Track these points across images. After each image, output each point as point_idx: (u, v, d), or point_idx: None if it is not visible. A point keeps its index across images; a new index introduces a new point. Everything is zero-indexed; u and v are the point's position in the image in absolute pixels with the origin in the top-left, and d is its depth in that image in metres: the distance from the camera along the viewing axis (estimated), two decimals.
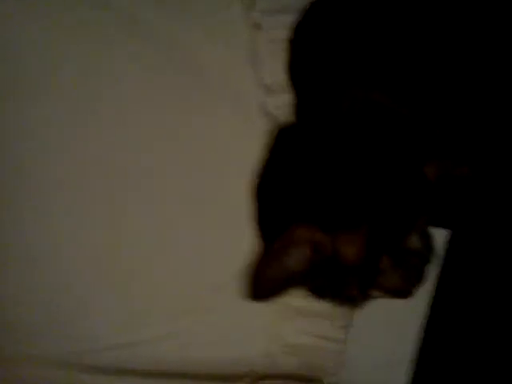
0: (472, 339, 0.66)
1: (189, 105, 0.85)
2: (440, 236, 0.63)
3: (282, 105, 0.76)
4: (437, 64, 0.54)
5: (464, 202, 0.57)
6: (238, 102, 0.84)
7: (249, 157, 0.77)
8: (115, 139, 0.85)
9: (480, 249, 0.59)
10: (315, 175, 0.58)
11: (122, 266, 0.84)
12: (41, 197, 0.84)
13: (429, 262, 0.57)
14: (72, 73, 0.83)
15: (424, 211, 0.55)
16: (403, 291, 0.56)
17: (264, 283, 0.55)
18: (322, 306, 0.64)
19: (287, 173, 0.62)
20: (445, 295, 0.65)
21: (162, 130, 0.85)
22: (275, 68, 0.77)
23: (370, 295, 0.57)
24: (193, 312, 0.85)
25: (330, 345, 0.82)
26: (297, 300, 0.79)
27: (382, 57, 0.56)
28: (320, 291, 0.57)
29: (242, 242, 0.71)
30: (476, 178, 0.54)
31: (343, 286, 0.56)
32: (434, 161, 0.54)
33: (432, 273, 0.62)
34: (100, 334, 0.85)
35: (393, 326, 0.81)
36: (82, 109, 0.83)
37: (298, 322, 0.83)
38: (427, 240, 0.57)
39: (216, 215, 0.84)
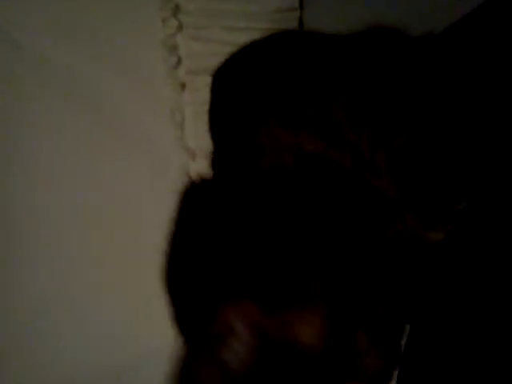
0: None
1: (105, 164, 0.81)
2: None
3: (204, 170, 0.72)
4: None
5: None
6: (159, 163, 0.81)
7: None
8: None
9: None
10: (241, 239, 0.47)
11: None
12: None
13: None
14: None
15: (395, 276, 0.45)
16: (384, 375, 0.43)
17: None
18: None
19: (204, 240, 0.51)
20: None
21: (73, 180, 0.81)
22: (199, 131, 0.74)
23: None
24: None
25: None
26: None
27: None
28: None
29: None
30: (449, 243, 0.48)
31: None
32: (397, 222, 0.46)
33: None
34: None
35: None
36: None
37: None
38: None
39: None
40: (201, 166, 0.74)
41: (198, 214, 0.53)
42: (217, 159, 0.59)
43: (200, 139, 0.74)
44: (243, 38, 0.71)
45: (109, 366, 0.81)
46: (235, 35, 0.73)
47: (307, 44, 0.55)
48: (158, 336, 0.79)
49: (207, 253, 0.49)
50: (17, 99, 0.82)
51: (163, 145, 0.80)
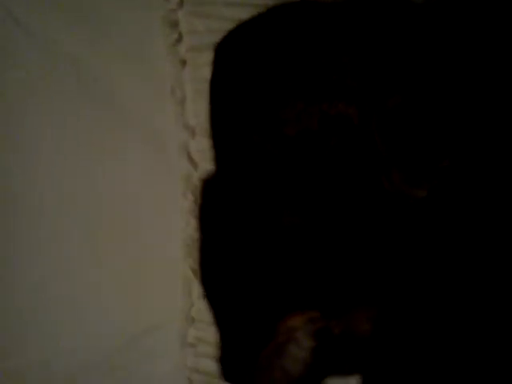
0: None
1: (105, 141, 0.81)
2: None
3: (204, 148, 0.72)
4: None
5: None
6: (158, 140, 0.80)
7: (165, 199, 0.76)
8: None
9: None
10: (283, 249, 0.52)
11: None
12: None
13: None
14: None
15: None
16: None
17: None
18: None
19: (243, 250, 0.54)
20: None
21: (75, 166, 0.81)
22: (200, 109, 0.73)
23: None
24: None
25: None
26: None
27: None
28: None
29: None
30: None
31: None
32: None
33: None
34: None
35: None
36: None
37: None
38: None
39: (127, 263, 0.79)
40: (201, 144, 0.74)
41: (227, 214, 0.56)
42: (222, 138, 0.60)
43: (200, 117, 0.73)
44: (244, 14, 0.70)
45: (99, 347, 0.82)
46: (236, 11, 0.72)
47: (308, 15, 0.55)
48: (156, 331, 0.81)
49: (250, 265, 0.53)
50: (14, 74, 0.82)
51: (163, 122, 0.79)
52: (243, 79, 0.56)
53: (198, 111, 0.75)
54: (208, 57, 0.70)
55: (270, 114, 0.52)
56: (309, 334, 0.48)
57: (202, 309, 0.74)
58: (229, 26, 0.69)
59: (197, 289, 0.75)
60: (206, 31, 0.75)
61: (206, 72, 0.71)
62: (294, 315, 0.49)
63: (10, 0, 0.81)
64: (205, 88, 0.71)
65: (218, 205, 0.56)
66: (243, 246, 0.52)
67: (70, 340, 0.81)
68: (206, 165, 0.70)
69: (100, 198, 0.80)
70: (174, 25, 0.78)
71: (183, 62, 0.78)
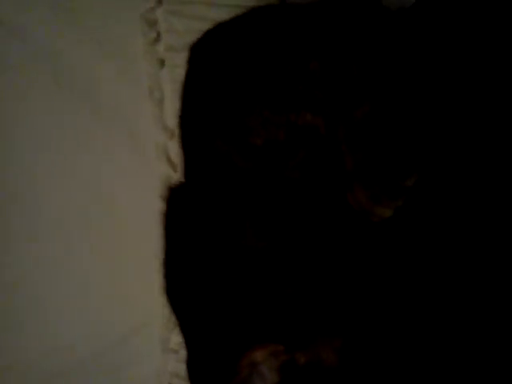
0: None
1: (82, 142, 0.80)
2: None
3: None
4: None
5: None
6: (136, 141, 0.79)
7: (144, 200, 0.75)
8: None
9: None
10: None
11: None
12: None
13: None
14: None
15: None
16: None
17: None
18: None
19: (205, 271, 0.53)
20: None
21: (51, 166, 0.80)
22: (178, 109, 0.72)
23: None
24: None
25: None
26: None
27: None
28: None
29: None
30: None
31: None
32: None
33: None
34: None
35: None
36: None
37: None
38: None
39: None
40: (178, 146, 0.73)
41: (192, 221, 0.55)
42: (191, 141, 0.58)
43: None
44: (224, 15, 0.69)
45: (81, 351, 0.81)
46: (216, 11, 0.72)
47: (281, 20, 0.54)
48: (138, 336, 0.80)
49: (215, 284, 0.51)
50: None
51: (141, 123, 0.78)
52: (213, 82, 0.55)
53: (177, 112, 0.73)
54: (186, 57, 0.69)
55: (236, 120, 0.50)
56: (273, 368, 0.46)
57: None
58: (208, 25, 0.67)
59: None
60: (184, 31, 0.74)
61: (184, 72, 0.70)
62: (256, 348, 0.48)
63: None
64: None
65: (182, 215, 0.55)
66: (206, 262, 0.51)
67: (53, 340, 0.80)
68: None
69: (79, 200, 0.79)
70: (153, 23, 0.77)
71: (161, 62, 0.77)
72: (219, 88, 0.53)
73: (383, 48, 0.48)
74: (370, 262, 0.49)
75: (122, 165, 0.78)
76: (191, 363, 0.54)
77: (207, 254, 0.50)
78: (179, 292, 0.54)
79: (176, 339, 0.79)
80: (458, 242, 0.50)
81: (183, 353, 0.79)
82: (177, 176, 0.73)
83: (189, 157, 0.56)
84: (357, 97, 0.46)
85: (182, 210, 0.55)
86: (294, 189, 0.47)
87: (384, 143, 0.46)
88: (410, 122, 0.47)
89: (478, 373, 0.49)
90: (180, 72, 0.72)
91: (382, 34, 0.49)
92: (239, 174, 0.48)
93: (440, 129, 0.48)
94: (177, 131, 0.73)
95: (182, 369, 0.80)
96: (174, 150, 0.74)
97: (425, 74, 0.49)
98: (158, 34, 0.77)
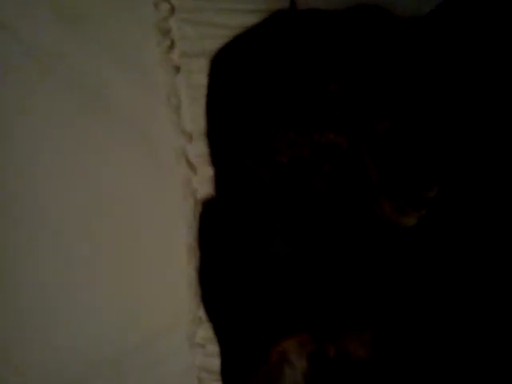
0: None
1: (102, 149, 0.82)
2: None
3: (202, 153, 0.73)
4: None
5: None
6: (156, 147, 0.81)
7: (166, 204, 0.77)
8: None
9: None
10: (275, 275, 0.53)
11: None
12: None
13: None
14: None
15: None
16: None
17: None
18: None
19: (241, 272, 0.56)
20: None
21: (72, 173, 0.82)
22: (196, 114, 0.74)
23: None
24: None
25: None
26: None
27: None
28: None
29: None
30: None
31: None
32: None
33: None
34: None
35: None
36: None
37: None
38: None
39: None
40: (197, 149, 0.75)
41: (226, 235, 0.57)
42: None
43: (197, 122, 0.75)
44: (236, 20, 0.71)
45: (109, 351, 0.83)
46: (227, 17, 0.73)
47: (301, 29, 0.56)
48: (165, 334, 0.83)
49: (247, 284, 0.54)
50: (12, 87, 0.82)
51: (160, 129, 0.80)
52: (236, 102, 0.57)
53: (194, 116, 0.76)
54: (200, 63, 0.71)
55: (263, 141, 0.52)
56: (302, 356, 0.48)
57: None
58: (220, 31, 0.70)
59: None
60: (198, 37, 0.76)
61: (200, 78, 0.72)
62: (286, 338, 0.50)
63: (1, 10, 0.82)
64: (199, 94, 0.72)
65: (215, 227, 0.57)
66: (239, 270, 0.53)
67: (80, 341, 0.82)
68: (205, 168, 0.72)
69: (100, 205, 0.81)
70: (167, 32, 0.79)
71: (177, 69, 0.79)
72: (243, 107, 0.55)
73: (397, 60, 0.50)
74: (394, 265, 0.50)
75: (142, 169, 0.80)
76: (225, 362, 0.57)
77: (239, 261, 0.52)
78: (214, 297, 0.57)
79: (202, 334, 0.80)
80: (477, 246, 0.51)
81: (210, 347, 0.82)
82: (196, 178, 0.75)
83: (219, 172, 0.58)
84: (377, 111, 0.48)
85: (214, 223, 0.58)
86: (319, 198, 0.49)
87: (405, 156, 0.48)
88: (429, 134, 0.49)
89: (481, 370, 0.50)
90: (195, 77, 0.75)
91: (393, 45, 0.51)
92: (267, 187, 0.50)
93: (458, 139, 0.50)
94: (196, 134, 0.76)
95: (209, 363, 0.82)
96: (193, 152, 0.77)
97: (441, 84, 0.50)
98: (172, 42, 0.79)
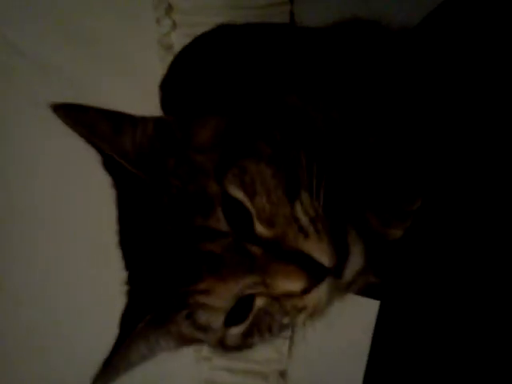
0: None
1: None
2: (371, 305, 0.60)
3: None
4: None
5: (393, 271, 0.53)
6: None
7: None
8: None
9: (410, 319, 0.56)
10: None
11: None
12: None
13: None
14: None
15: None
16: None
17: None
18: None
19: None
20: (377, 365, 0.61)
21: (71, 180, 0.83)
22: None
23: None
24: None
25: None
26: None
27: None
28: None
29: None
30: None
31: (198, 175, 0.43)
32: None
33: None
34: None
35: None
36: None
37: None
38: None
39: None
40: None
41: None
42: None
43: None
44: None
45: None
46: None
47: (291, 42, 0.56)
48: None
49: None
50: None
51: None
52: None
53: None
54: None
55: None
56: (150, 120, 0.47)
57: None
58: None
59: None
60: None
61: None
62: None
63: (4, 25, 0.84)
64: None
65: None
66: None
67: (81, 355, 0.81)
68: None
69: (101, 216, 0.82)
70: (169, 47, 0.80)
71: None
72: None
73: (386, 72, 0.50)
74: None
75: None
76: None
77: None
78: None
79: (208, 348, 0.80)
80: (461, 251, 0.51)
81: (216, 360, 0.82)
82: None
83: None
84: (370, 123, 0.47)
85: None
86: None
87: (389, 169, 0.48)
88: (413, 146, 0.49)
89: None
90: None
91: (383, 57, 0.51)
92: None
93: (441, 152, 0.50)
94: None
95: (216, 376, 0.82)
96: None
97: (429, 97, 0.50)
98: None
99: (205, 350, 0.81)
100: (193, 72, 0.60)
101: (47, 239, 0.84)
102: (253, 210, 0.41)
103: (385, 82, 0.49)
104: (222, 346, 0.46)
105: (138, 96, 0.81)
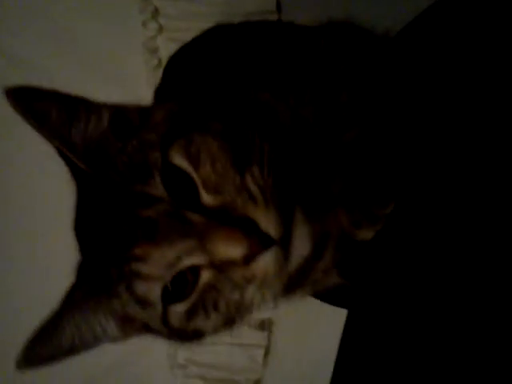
0: None
1: None
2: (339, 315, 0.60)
3: None
4: None
5: (364, 276, 0.53)
6: None
7: None
8: None
9: (378, 327, 0.56)
10: None
11: None
12: None
13: None
14: None
15: None
16: None
17: None
18: None
19: None
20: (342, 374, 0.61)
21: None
22: None
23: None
24: None
25: None
26: None
27: None
28: None
29: None
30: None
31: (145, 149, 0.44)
32: None
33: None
34: None
35: None
36: None
37: None
38: None
39: None
40: None
41: None
42: None
43: None
44: None
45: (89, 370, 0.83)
46: None
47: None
48: (147, 353, 0.82)
49: None
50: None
51: None
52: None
53: None
54: None
55: None
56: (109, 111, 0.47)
57: None
58: None
59: None
60: None
61: None
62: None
63: None
64: None
65: None
66: None
67: None
68: None
69: None
70: (154, 51, 0.80)
71: None
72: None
73: (369, 73, 0.50)
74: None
75: None
76: None
77: None
78: None
79: (183, 354, 0.80)
80: (434, 258, 0.52)
81: (191, 368, 0.81)
82: None
83: None
84: (346, 120, 0.48)
85: None
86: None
87: (365, 169, 0.48)
88: (390, 148, 0.49)
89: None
90: None
91: (367, 59, 0.51)
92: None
93: (419, 156, 0.50)
94: None
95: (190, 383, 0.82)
96: None
97: (410, 100, 0.50)
98: (160, 61, 0.80)
99: (179, 358, 0.81)
100: (181, 74, 0.60)
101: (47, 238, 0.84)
102: (198, 180, 0.41)
103: (366, 84, 0.50)
104: (168, 327, 0.44)
105: (124, 98, 0.80)
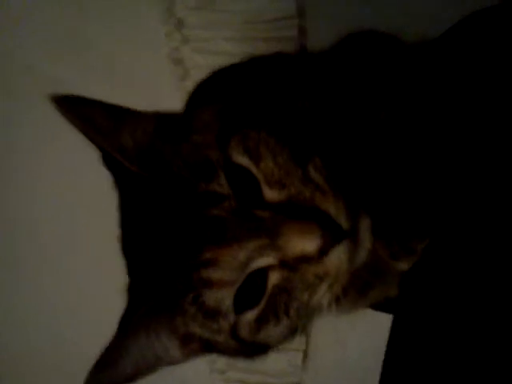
0: None
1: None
2: (385, 319, 0.59)
3: None
4: None
5: (407, 284, 0.52)
6: None
7: None
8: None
9: (424, 333, 0.55)
10: None
11: None
12: None
13: None
14: None
15: None
16: None
17: None
18: None
19: None
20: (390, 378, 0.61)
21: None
22: None
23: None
24: None
25: None
26: None
27: None
28: None
29: None
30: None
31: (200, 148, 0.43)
32: None
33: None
34: None
35: None
36: None
37: None
38: None
39: None
40: None
41: None
42: None
43: None
44: (245, 48, 0.72)
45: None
46: (237, 45, 0.74)
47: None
48: None
49: None
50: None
51: None
52: None
53: None
54: None
55: None
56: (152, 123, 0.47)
57: None
58: (231, 59, 0.71)
59: None
60: (209, 66, 0.77)
61: None
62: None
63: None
64: None
65: None
66: None
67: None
68: None
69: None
70: (179, 62, 0.80)
71: None
72: None
73: (401, 87, 0.48)
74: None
75: None
76: None
77: None
78: None
79: (223, 360, 0.80)
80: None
81: (230, 373, 0.82)
82: None
83: None
84: (388, 146, 0.46)
85: None
86: None
87: (403, 204, 0.47)
88: (425, 180, 0.47)
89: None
90: None
91: (399, 72, 0.49)
92: None
93: (453, 193, 0.48)
94: None
95: None
96: None
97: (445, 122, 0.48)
98: (186, 71, 0.80)
99: (219, 363, 0.81)
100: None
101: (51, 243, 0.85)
102: (259, 176, 0.40)
103: (398, 96, 0.48)
104: (237, 339, 0.42)
105: (148, 109, 0.81)
